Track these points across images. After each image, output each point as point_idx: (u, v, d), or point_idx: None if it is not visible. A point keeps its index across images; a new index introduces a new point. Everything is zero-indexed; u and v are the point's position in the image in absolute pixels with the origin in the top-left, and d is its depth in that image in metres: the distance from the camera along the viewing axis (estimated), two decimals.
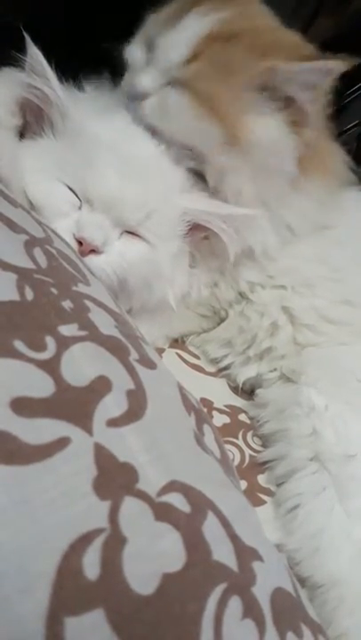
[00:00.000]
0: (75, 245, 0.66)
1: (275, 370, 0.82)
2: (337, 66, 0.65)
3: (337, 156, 0.81)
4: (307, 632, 0.42)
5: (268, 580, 0.42)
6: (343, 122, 1.44)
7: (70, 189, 0.68)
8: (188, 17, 0.68)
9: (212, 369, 0.86)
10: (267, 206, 0.75)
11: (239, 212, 0.73)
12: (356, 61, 0.67)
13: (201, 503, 0.41)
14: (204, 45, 0.67)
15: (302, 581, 0.61)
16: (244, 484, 0.71)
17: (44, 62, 0.66)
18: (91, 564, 0.33)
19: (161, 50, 0.69)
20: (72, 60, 0.72)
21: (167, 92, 0.69)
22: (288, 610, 0.42)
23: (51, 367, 0.41)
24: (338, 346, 0.79)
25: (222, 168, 0.71)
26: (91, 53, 0.75)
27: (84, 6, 0.87)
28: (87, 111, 0.72)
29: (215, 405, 0.80)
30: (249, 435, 0.78)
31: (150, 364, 0.49)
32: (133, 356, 0.48)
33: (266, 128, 0.69)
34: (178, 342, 0.88)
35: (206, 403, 0.79)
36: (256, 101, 0.68)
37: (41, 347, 0.42)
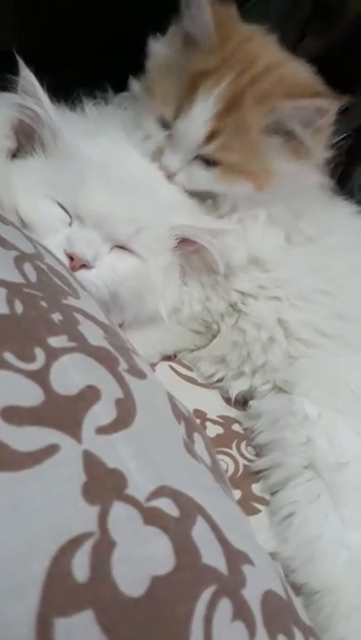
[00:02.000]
0: (66, 261, 0.67)
1: (268, 382, 0.83)
2: (332, 105, 0.68)
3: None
4: (298, 634, 0.43)
5: (258, 582, 0.42)
6: (335, 133, 1.47)
7: (61, 206, 0.70)
8: (196, 100, 0.71)
9: (204, 381, 0.87)
10: (295, 217, 0.82)
11: (226, 226, 0.76)
12: (352, 99, 0.70)
13: (190, 508, 0.42)
14: (218, 122, 0.71)
15: (298, 589, 0.62)
16: (238, 494, 0.71)
17: (37, 84, 0.68)
18: (80, 567, 0.33)
19: (180, 134, 0.73)
20: (65, 82, 0.73)
21: (195, 168, 0.75)
22: (279, 612, 0.42)
23: (40, 377, 0.42)
24: (330, 357, 0.80)
25: (258, 201, 0.78)
26: (85, 74, 0.77)
27: (80, 29, 0.89)
28: (78, 130, 0.74)
29: (208, 416, 0.81)
30: (243, 445, 0.79)
31: (140, 374, 0.50)
32: (123, 366, 0.49)
33: (286, 166, 0.74)
34: (171, 356, 0.89)
35: (200, 414, 0.80)
36: (269, 145, 0.73)
37: (30, 358, 0.43)
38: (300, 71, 0.76)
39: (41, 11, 0.81)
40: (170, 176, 0.76)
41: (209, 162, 0.74)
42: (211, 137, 0.72)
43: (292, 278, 0.83)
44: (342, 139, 1.48)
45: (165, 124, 0.75)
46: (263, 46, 0.76)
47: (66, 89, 0.76)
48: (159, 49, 0.77)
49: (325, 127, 0.74)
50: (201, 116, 0.71)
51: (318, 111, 0.69)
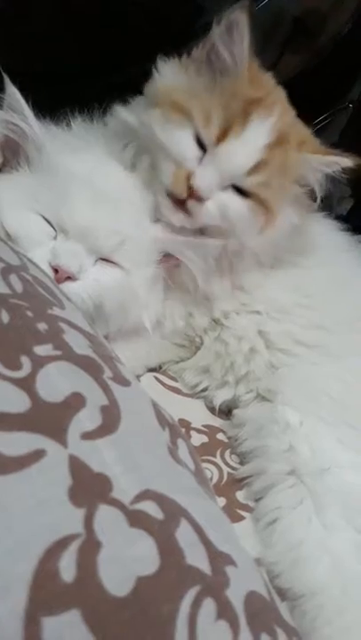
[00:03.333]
0: (51, 273, 0.68)
1: (251, 391, 0.84)
2: (349, 162, 0.72)
3: None
4: (281, 634, 0.44)
5: (241, 583, 0.43)
6: None
7: (45, 220, 0.71)
8: (250, 126, 0.69)
9: (189, 391, 0.88)
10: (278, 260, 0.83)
11: (208, 240, 0.77)
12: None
13: (174, 511, 0.43)
14: (267, 156, 0.70)
15: (283, 594, 0.62)
16: (223, 501, 0.72)
17: (22, 100, 0.70)
18: (67, 567, 0.34)
19: (224, 158, 0.70)
20: (49, 99, 0.75)
21: (229, 198, 0.72)
22: (262, 612, 0.43)
23: (26, 384, 0.43)
24: (310, 366, 0.81)
25: (250, 246, 0.78)
26: (69, 90, 0.79)
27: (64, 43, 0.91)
28: (63, 145, 0.76)
29: (193, 425, 0.82)
30: (227, 453, 0.80)
31: (124, 382, 0.51)
32: (107, 374, 0.50)
33: (291, 216, 0.77)
34: (155, 367, 0.90)
35: (185, 423, 0.81)
36: (294, 195, 0.75)
37: (17, 366, 0.44)
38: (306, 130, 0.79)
39: (26, 29, 0.83)
40: (200, 198, 0.70)
41: (241, 193, 0.72)
42: (257, 167, 0.70)
43: (271, 296, 0.85)
44: None
45: (200, 144, 0.71)
46: (285, 97, 0.78)
47: (52, 105, 0.77)
48: (171, 72, 0.75)
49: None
50: (254, 141, 0.69)
51: (342, 168, 0.72)
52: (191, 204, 0.71)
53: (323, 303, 0.84)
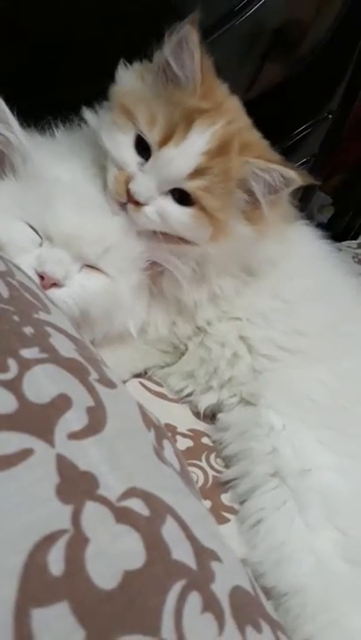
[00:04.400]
0: (37, 279, 0.69)
1: (235, 395, 0.85)
2: (295, 177, 0.71)
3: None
4: (266, 627, 0.45)
5: (226, 578, 0.44)
6: (292, 160, 1.52)
7: (31, 227, 0.71)
8: (192, 133, 0.70)
9: (174, 396, 0.89)
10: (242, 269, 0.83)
11: (190, 249, 0.78)
12: (312, 181, 0.74)
13: (160, 508, 0.44)
14: (207, 161, 0.71)
15: (267, 592, 0.63)
16: (208, 504, 0.73)
17: (6, 109, 0.70)
18: (55, 562, 0.35)
19: (164, 162, 0.70)
20: (34, 106, 0.76)
21: (167, 203, 0.72)
22: (247, 606, 0.44)
23: (13, 386, 0.44)
24: (291, 370, 0.83)
25: (206, 254, 0.77)
26: (54, 99, 0.80)
27: (48, 52, 0.92)
28: (47, 153, 0.77)
29: (179, 430, 0.83)
30: (212, 457, 0.81)
31: (110, 384, 0.52)
32: (93, 376, 0.51)
33: (240, 227, 0.76)
34: (141, 373, 0.91)
35: (170, 428, 0.82)
36: (236, 200, 0.74)
37: (4, 368, 0.44)
38: (262, 140, 0.80)
39: (10, 37, 0.84)
40: (137, 203, 0.72)
41: (182, 200, 0.72)
42: (196, 174, 0.71)
43: (253, 302, 0.86)
44: (302, 163, 1.54)
45: (142, 149, 0.72)
46: (239, 106, 0.80)
47: (36, 114, 0.78)
48: (130, 79, 0.76)
49: (283, 200, 0.77)
50: (194, 148, 0.70)
51: (285, 180, 0.71)
52: (130, 207, 0.73)
53: (302, 309, 0.86)
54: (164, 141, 0.70)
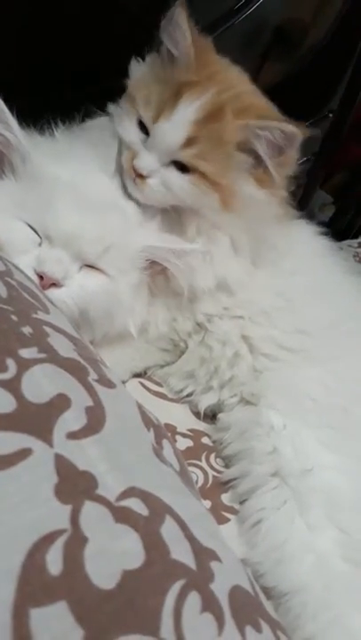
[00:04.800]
0: (36, 279, 0.69)
1: (235, 395, 0.85)
2: (295, 130, 0.72)
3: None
4: (265, 627, 0.45)
5: (225, 578, 0.44)
6: None
7: (30, 227, 0.71)
8: (179, 107, 0.73)
9: (174, 396, 0.89)
10: (258, 247, 0.83)
11: (193, 247, 0.79)
12: (312, 132, 0.74)
13: (159, 508, 0.43)
14: (197, 130, 0.73)
15: (268, 592, 0.63)
16: (208, 504, 0.73)
17: (5, 108, 0.70)
18: (54, 561, 0.35)
19: (159, 137, 0.74)
20: (33, 105, 0.76)
21: (169, 173, 0.76)
22: (246, 606, 0.44)
23: (12, 386, 0.43)
24: (292, 370, 0.83)
25: (219, 224, 0.79)
26: (52, 98, 0.80)
27: (47, 52, 0.92)
28: (47, 153, 0.76)
29: (178, 430, 0.83)
30: (212, 457, 0.81)
31: (109, 384, 0.52)
32: (92, 376, 0.51)
33: (248, 185, 0.77)
34: (141, 372, 0.91)
35: (170, 428, 0.82)
36: (239, 164, 0.75)
37: (2, 368, 0.44)
38: (269, 103, 0.81)
39: (11, 37, 0.84)
40: (142, 176, 0.76)
41: (183, 169, 0.75)
42: (189, 143, 0.73)
43: (253, 300, 0.86)
44: (303, 162, 1.54)
45: (144, 129, 0.77)
46: (240, 75, 0.81)
47: (35, 114, 0.78)
48: (139, 69, 0.80)
49: (290, 161, 0.77)
50: (182, 120, 0.73)
51: (287, 136, 0.72)
52: (138, 182, 0.77)
53: (304, 308, 0.86)
54: (157, 117, 0.74)
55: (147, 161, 0.76)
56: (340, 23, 1.34)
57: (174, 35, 0.74)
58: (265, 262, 0.86)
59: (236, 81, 0.80)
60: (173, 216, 0.81)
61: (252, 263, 0.85)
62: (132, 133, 0.78)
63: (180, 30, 0.73)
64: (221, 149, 0.74)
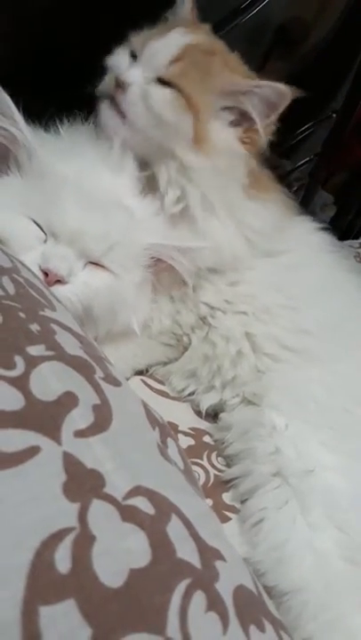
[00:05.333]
0: (41, 276, 0.69)
1: (237, 395, 0.85)
2: (287, 90, 0.74)
3: (276, 186, 0.89)
4: (268, 626, 0.45)
5: (230, 577, 0.44)
6: (295, 159, 1.53)
7: (36, 224, 0.71)
8: (172, 31, 0.78)
9: (176, 394, 0.89)
10: (228, 209, 0.82)
11: (197, 245, 0.79)
12: (302, 93, 0.76)
13: (165, 506, 0.44)
14: (187, 51, 0.76)
15: (268, 592, 0.63)
16: (209, 503, 0.73)
17: (12, 105, 0.70)
18: (62, 559, 0.35)
19: (147, 54, 0.77)
20: (39, 103, 0.76)
21: (151, 87, 0.76)
22: (250, 605, 0.45)
23: (21, 383, 0.44)
24: (295, 371, 0.83)
25: (187, 166, 0.78)
26: (58, 96, 0.80)
27: (52, 50, 0.92)
28: (53, 150, 0.76)
29: (180, 428, 0.83)
30: (213, 455, 0.81)
31: (115, 382, 0.52)
32: (99, 374, 0.51)
33: (226, 136, 0.78)
34: (143, 370, 0.91)
35: (172, 426, 0.80)
36: (221, 110, 0.77)
37: (11, 365, 0.44)
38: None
39: (15, 34, 0.84)
40: (125, 87, 0.76)
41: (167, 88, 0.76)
42: (175, 61, 0.76)
43: (255, 294, 0.86)
44: (305, 162, 1.54)
45: (134, 55, 0.78)
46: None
47: (41, 111, 0.78)
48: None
49: (273, 123, 0.79)
50: (173, 41, 0.76)
51: (279, 94, 0.74)
52: (118, 92, 0.77)
53: (306, 306, 0.86)
54: (148, 40, 0.78)
55: (132, 72, 0.77)
56: (344, 22, 1.34)
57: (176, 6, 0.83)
58: (262, 245, 0.86)
59: (223, 46, 0.84)
60: (145, 169, 0.81)
61: (247, 242, 0.85)
62: (122, 60, 0.79)
63: (183, 3, 0.81)
64: (204, 81, 0.76)
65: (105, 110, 0.79)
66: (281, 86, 0.74)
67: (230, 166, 0.79)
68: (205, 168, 0.78)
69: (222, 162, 0.78)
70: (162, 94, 0.75)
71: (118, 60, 0.80)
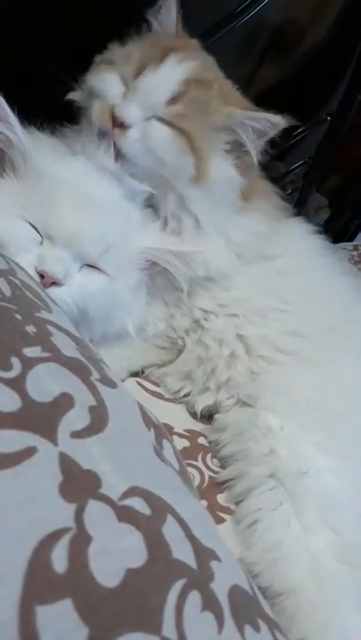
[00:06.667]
0: (37, 278, 0.69)
1: (232, 397, 0.86)
2: (281, 120, 0.75)
3: (269, 188, 0.90)
4: (263, 626, 0.45)
5: (225, 577, 0.44)
6: (290, 162, 1.53)
7: (32, 226, 0.72)
8: (166, 62, 0.75)
9: (171, 396, 0.89)
10: (219, 231, 0.83)
11: (191, 249, 0.79)
12: (295, 122, 0.77)
13: (161, 507, 0.44)
14: (183, 89, 0.75)
15: (262, 593, 0.63)
16: (204, 504, 0.73)
17: (7, 108, 0.71)
18: (59, 559, 0.35)
19: (143, 90, 0.74)
20: (33, 105, 0.76)
21: (151, 126, 0.75)
22: (245, 605, 0.45)
23: (17, 385, 0.44)
24: (289, 373, 0.83)
25: (187, 199, 0.79)
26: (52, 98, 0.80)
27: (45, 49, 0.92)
28: (48, 152, 0.77)
29: (175, 430, 0.83)
30: (208, 457, 0.82)
31: (111, 384, 0.52)
32: (95, 375, 0.51)
33: (224, 167, 0.78)
34: (138, 372, 0.91)
35: (167, 427, 0.81)
36: (219, 142, 0.77)
37: (7, 366, 0.45)
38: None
39: (11, 35, 0.84)
40: (122, 127, 0.74)
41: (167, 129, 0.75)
42: (173, 101, 0.74)
43: (248, 298, 0.87)
44: (299, 165, 1.55)
45: (125, 81, 0.76)
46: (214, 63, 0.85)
47: (36, 111, 0.78)
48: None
49: (263, 148, 0.80)
50: (169, 75, 0.74)
51: (272, 124, 0.75)
52: (116, 132, 0.74)
53: (300, 309, 0.87)
54: (140, 70, 0.75)
55: (130, 110, 0.74)
56: (339, 25, 1.35)
57: (160, 16, 0.80)
58: (255, 252, 0.87)
59: (214, 65, 0.84)
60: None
61: (238, 256, 0.85)
62: (112, 85, 0.76)
63: (167, 10, 0.79)
64: (204, 120, 0.76)
65: (101, 148, 0.77)
66: (275, 118, 0.75)
67: (225, 193, 0.81)
68: (203, 199, 0.79)
69: (219, 191, 0.80)
70: (163, 136, 0.75)
71: (109, 85, 0.77)
